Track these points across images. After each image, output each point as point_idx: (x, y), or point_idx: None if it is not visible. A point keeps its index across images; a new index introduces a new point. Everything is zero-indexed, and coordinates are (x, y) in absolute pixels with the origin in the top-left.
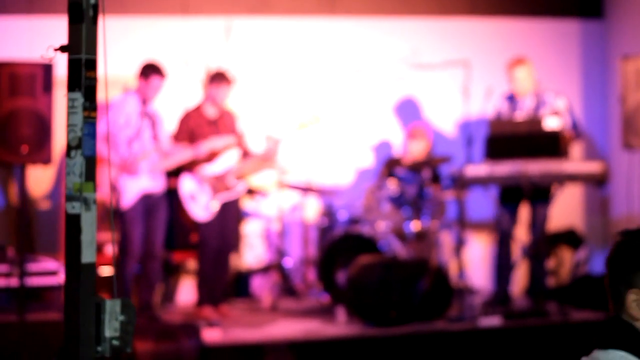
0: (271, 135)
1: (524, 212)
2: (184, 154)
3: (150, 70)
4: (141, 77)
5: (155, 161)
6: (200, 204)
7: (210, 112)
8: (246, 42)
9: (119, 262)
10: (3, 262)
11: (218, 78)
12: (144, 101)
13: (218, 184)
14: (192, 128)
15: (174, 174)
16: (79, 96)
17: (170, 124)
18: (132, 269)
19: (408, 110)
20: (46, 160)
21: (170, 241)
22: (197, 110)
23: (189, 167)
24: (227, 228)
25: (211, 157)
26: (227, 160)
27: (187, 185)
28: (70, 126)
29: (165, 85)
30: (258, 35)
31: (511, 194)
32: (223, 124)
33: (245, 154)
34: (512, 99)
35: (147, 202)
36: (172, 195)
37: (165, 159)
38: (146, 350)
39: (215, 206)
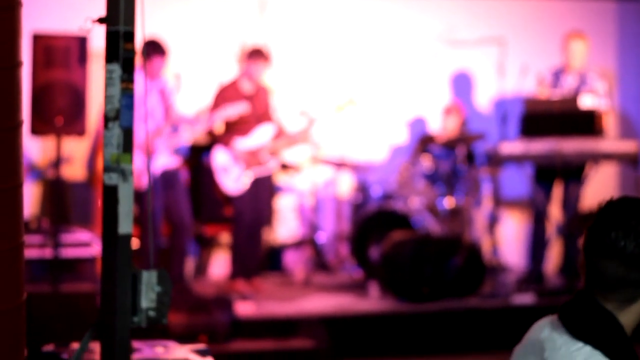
0: (305, 111)
1: (558, 190)
2: (200, 124)
3: (150, 49)
4: (142, 57)
5: (170, 136)
6: (232, 177)
7: (247, 87)
8: (281, 18)
9: (142, 236)
10: (37, 233)
11: (256, 54)
12: (151, 79)
13: (251, 158)
14: (227, 101)
15: (206, 147)
16: (116, 68)
17: (204, 98)
18: (157, 242)
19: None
20: (81, 131)
21: (203, 214)
22: (233, 85)
23: (223, 140)
24: (260, 202)
25: (245, 130)
26: (262, 136)
27: (220, 157)
28: (107, 98)
29: (201, 59)
30: (293, 11)
31: (546, 173)
32: (258, 99)
33: (279, 131)
34: (557, 75)
35: (164, 177)
36: (202, 169)
37: (189, 128)
38: (179, 322)
39: (246, 180)
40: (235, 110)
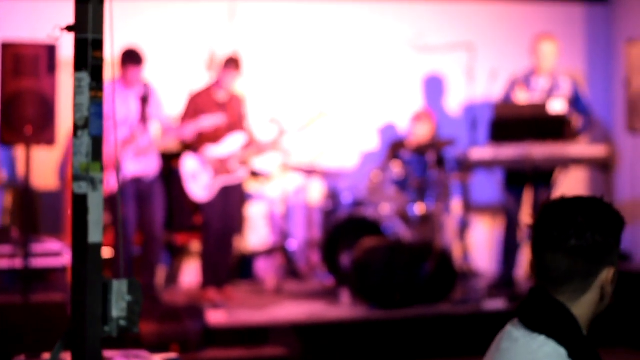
0: (275, 119)
1: (528, 196)
2: (174, 133)
3: (125, 58)
4: (119, 65)
5: (145, 143)
6: (200, 184)
7: (220, 95)
8: (250, 25)
9: (115, 245)
10: (7, 243)
11: (230, 63)
12: (127, 86)
13: (220, 166)
14: (200, 109)
15: (176, 154)
16: (85, 76)
17: (174, 106)
18: (128, 251)
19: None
20: (50, 140)
21: (174, 222)
22: (207, 93)
23: (193, 147)
24: (230, 210)
25: (216, 138)
26: (233, 144)
27: (188, 164)
28: (76, 106)
29: (170, 66)
30: (262, 18)
31: (516, 178)
32: (231, 108)
33: (250, 140)
34: (527, 78)
35: (137, 186)
36: (173, 177)
37: (162, 137)
38: (150, 331)
39: (214, 187)
40: (213, 121)
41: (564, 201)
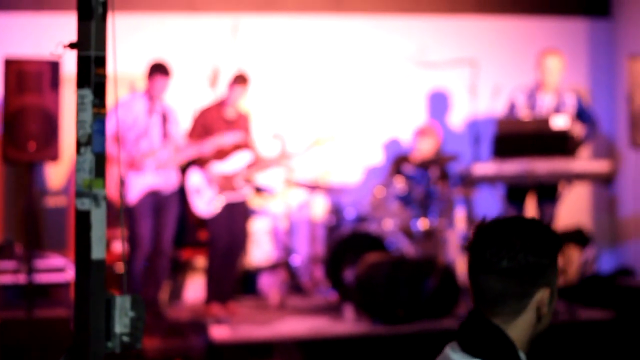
0: (278, 134)
1: (532, 211)
2: (192, 150)
3: (153, 70)
4: (146, 77)
5: (165, 158)
6: (204, 199)
7: (229, 112)
8: (253, 41)
9: (127, 258)
10: (11, 258)
11: (239, 80)
12: (152, 100)
13: (225, 183)
14: (209, 126)
15: (183, 170)
16: (88, 93)
17: (180, 121)
18: (140, 265)
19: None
20: (54, 157)
21: (179, 238)
22: (215, 109)
23: (199, 162)
24: (235, 227)
25: (223, 155)
26: (239, 161)
27: (193, 179)
28: (79, 123)
29: (172, 83)
30: (265, 34)
31: (518, 193)
32: (239, 125)
33: (256, 158)
34: (532, 95)
35: (155, 198)
36: (181, 192)
37: (176, 154)
38: (154, 347)
39: (219, 203)
40: (231, 138)
41: (498, 222)
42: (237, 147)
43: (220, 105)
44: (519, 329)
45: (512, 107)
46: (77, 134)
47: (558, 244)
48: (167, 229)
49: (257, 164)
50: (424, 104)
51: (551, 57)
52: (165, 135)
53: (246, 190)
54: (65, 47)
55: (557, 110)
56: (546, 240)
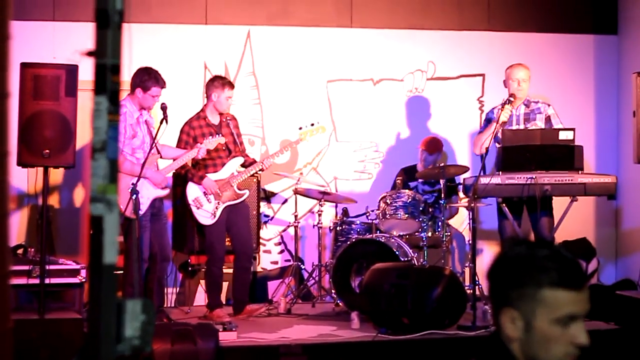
0: (287, 140)
1: (532, 222)
2: (182, 157)
3: (151, 81)
4: (140, 88)
5: (156, 167)
6: (205, 210)
7: (213, 118)
8: (265, 51)
9: (132, 266)
10: (24, 261)
11: (224, 84)
12: (143, 110)
13: (222, 189)
14: (195, 135)
15: (181, 182)
16: (104, 100)
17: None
18: (143, 272)
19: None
20: (69, 163)
21: (188, 246)
22: (199, 117)
23: (195, 179)
24: (240, 232)
25: (215, 166)
26: (230, 168)
27: (191, 192)
28: (95, 129)
29: (186, 92)
30: (276, 45)
31: (513, 205)
32: (223, 129)
33: (247, 159)
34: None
35: (152, 207)
36: (182, 202)
37: (172, 163)
38: (163, 351)
39: (219, 211)
40: (214, 142)
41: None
42: (228, 149)
43: (204, 111)
44: (517, 343)
45: (488, 121)
46: (92, 140)
47: (525, 272)
48: (165, 234)
49: (252, 165)
50: (431, 115)
51: (519, 68)
52: (151, 144)
53: (244, 193)
54: (82, 54)
55: (531, 118)
56: (504, 269)
